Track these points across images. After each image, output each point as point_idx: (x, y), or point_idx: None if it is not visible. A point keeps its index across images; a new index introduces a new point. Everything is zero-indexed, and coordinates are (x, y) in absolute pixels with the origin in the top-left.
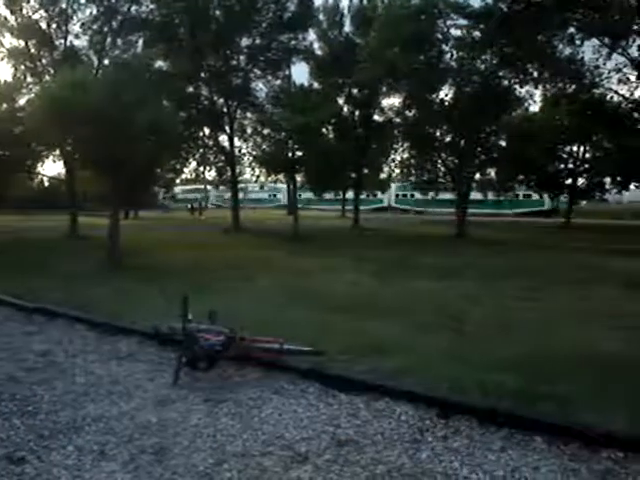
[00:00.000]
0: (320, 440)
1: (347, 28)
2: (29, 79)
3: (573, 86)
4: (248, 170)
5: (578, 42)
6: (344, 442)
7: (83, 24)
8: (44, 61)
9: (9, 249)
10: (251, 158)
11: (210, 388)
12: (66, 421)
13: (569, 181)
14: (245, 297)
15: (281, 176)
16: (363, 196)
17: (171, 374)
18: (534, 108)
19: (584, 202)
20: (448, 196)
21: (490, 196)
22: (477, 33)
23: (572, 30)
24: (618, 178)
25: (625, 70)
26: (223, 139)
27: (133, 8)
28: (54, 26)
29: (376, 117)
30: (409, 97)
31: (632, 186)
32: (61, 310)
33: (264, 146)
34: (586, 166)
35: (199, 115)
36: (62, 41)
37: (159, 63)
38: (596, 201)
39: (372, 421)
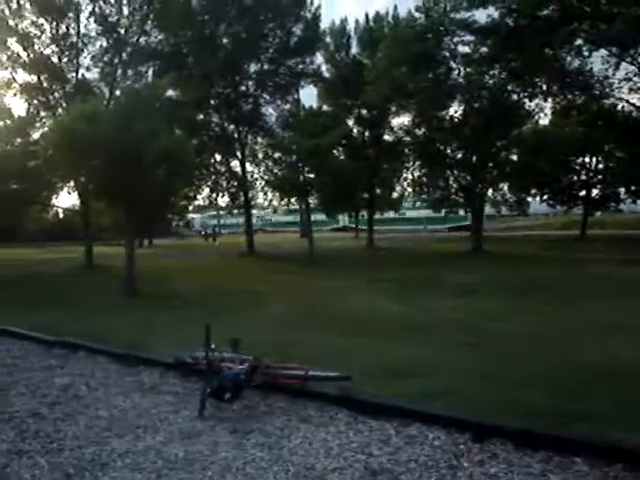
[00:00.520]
0: (353, 470)
1: (354, 50)
2: (42, 113)
3: (583, 97)
4: (261, 195)
5: (586, 53)
6: (378, 471)
7: (93, 57)
8: (56, 95)
9: (23, 283)
10: (263, 182)
11: (236, 418)
12: (91, 458)
13: (583, 192)
14: (262, 322)
15: (293, 199)
16: (322, 216)
17: (195, 405)
18: (544, 121)
19: (598, 213)
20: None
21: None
22: (484, 49)
23: (580, 42)
24: (632, 187)
25: (635, 79)
26: (235, 164)
27: (142, 39)
28: (65, 60)
29: (386, 137)
30: (418, 115)
31: None
32: (80, 342)
33: (275, 170)
34: (599, 177)
35: (210, 142)
36: (73, 74)
37: (169, 92)
38: (611, 212)
39: (405, 447)
